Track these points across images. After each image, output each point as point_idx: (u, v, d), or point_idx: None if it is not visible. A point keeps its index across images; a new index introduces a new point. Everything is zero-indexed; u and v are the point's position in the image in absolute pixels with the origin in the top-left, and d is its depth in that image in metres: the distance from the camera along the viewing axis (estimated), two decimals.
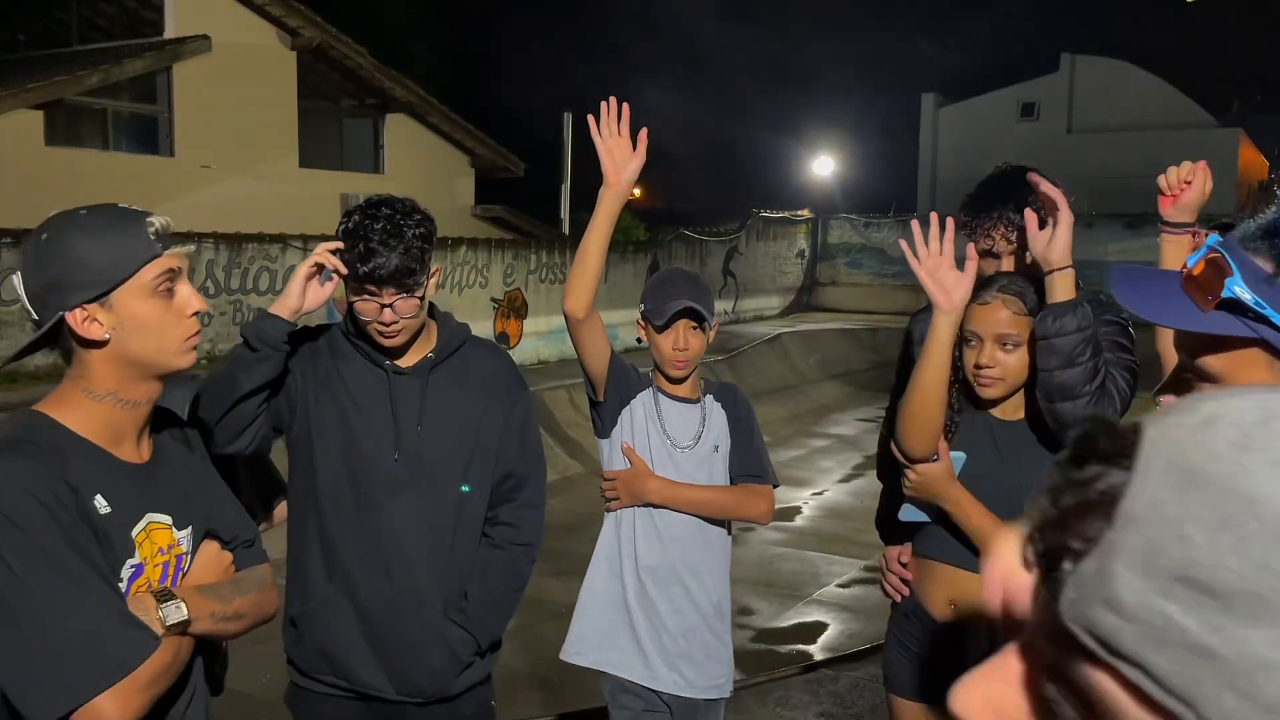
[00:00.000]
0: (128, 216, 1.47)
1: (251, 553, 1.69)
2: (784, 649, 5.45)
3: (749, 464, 2.61)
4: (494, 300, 12.56)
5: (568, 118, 15.85)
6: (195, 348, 1.52)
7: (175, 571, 1.54)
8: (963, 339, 2.12)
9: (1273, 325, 0.95)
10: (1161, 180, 2.03)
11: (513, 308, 12.84)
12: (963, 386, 2.18)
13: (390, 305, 2.05)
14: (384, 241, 2.01)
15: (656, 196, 38.11)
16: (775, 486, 2.66)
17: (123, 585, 1.44)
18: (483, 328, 12.42)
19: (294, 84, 13.58)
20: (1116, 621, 0.44)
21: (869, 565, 6.36)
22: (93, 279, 1.42)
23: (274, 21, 13.10)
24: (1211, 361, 1.02)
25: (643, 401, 2.60)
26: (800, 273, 21.17)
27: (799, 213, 21.42)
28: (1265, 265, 0.96)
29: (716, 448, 2.59)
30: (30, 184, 10.01)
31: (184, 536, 1.56)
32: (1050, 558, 0.47)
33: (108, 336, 1.43)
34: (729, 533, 2.66)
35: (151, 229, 1.46)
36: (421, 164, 15.14)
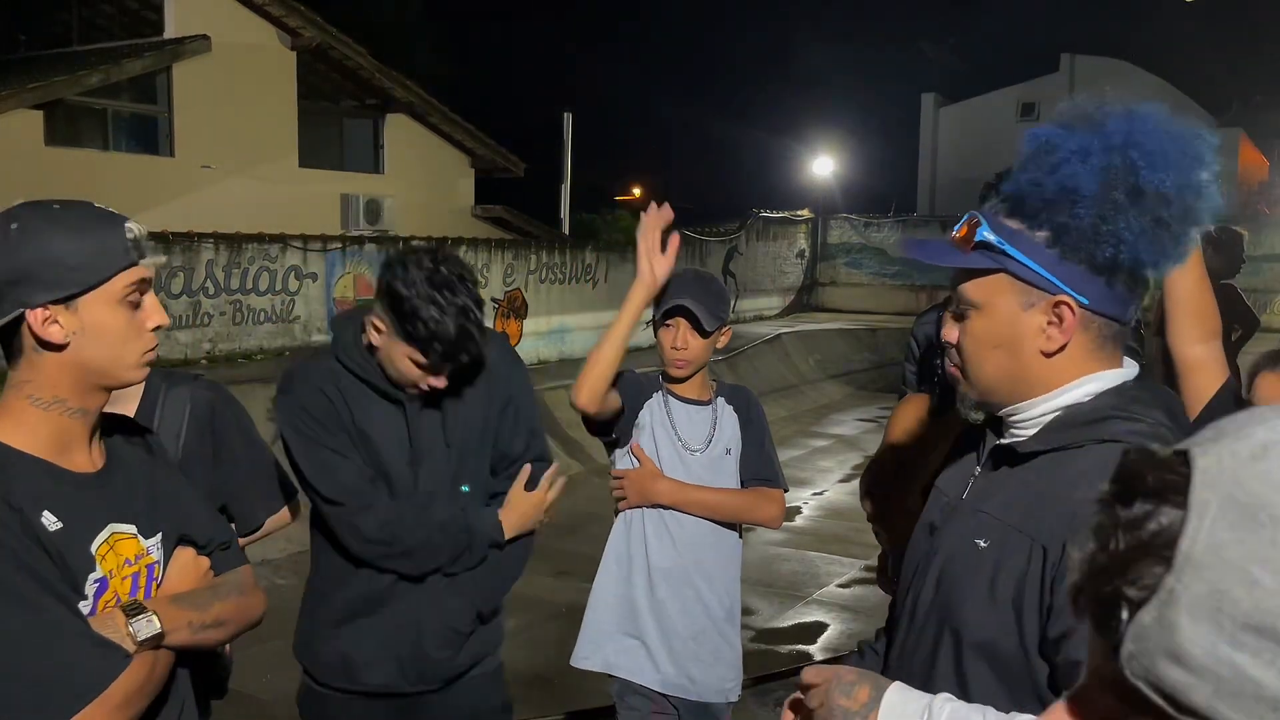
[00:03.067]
0: (106, 219, 1.39)
1: (229, 556, 1.61)
2: (784, 649, 5.45)
3: (760, 467, 2.60)
4: (494, 300, 12.55)
5: (568, 118, 15.84)
6: (150, 363, 1.45)
7: (148, 582, 1.47)
8: None
9: (1010, 257, 1.28)
10: None
11: (513, 308, 12.84)
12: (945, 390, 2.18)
13: (442, 375, 2.09)
14: (464, 336, 2.02)
15: (656, 197, 38.06)
16: (785, 490, 2.65)
17: (88, 603, 1.37)
18: None
19: (294, 84, 13.57)
20: (1184, 676, 0.40)
21: (869, 565, 6.36)
22: (63, 279, 1.33)
23: (274, 21, 13.08)
24: (971, 289, 1.33)
25: (653, 406, 2.58)
26: (800, 273, 21.16)
27: (799, 213, 21.41)
28: (1004, 220, 1.30)
29: (729, 450, 2.58)
30: (30, 184, 9.97)
31: (153, 545, 1.49)
32: (1104, 607, 0.43)
33: (67, 341, 1.35)
34: (739, 536, 2.65)
35: (130, 235, 1.39)
36: (421, 164, 15.14)
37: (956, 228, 1.34)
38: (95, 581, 1.38)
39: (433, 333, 1.97)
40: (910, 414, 2.42)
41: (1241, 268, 5.44)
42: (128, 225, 1.39)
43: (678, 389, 2.59)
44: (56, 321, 1.34)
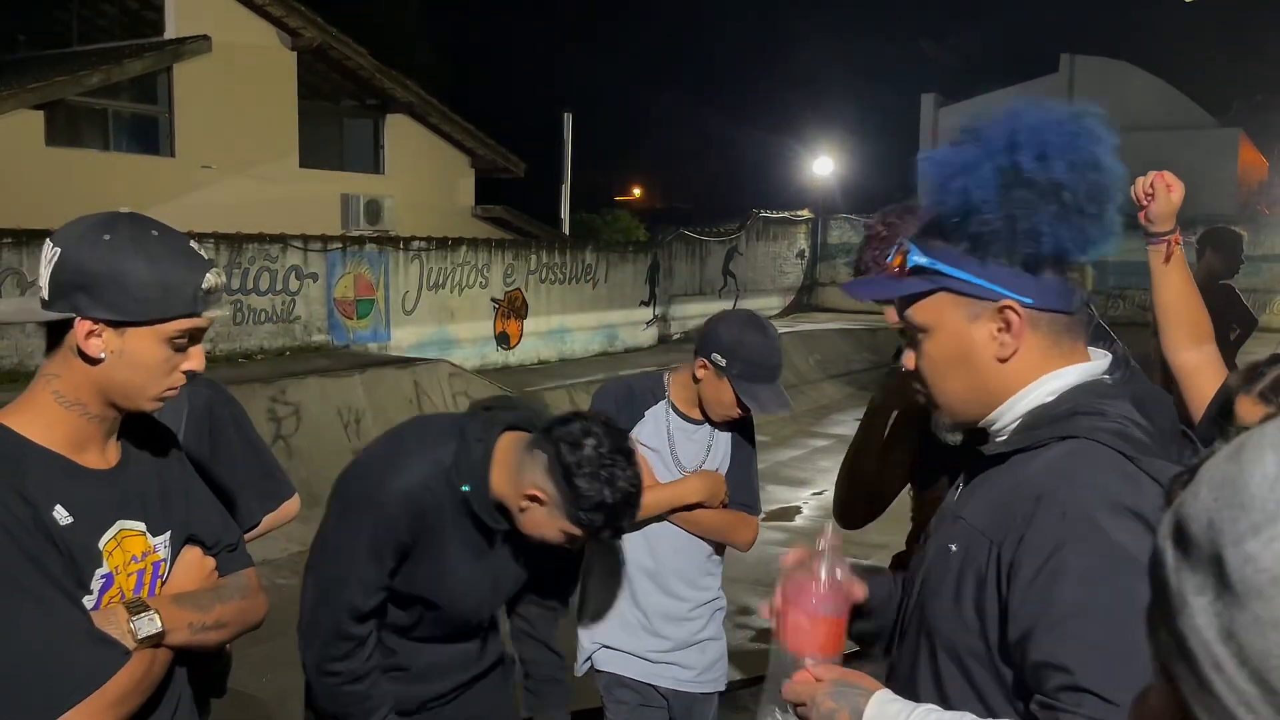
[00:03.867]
0: (189, 261, 1.40)
1: (235, 557, 1.62)
2: None
3: (743, 493, 2.61)
4: (494, 300, 12.56)
5: (568, 118, 15.85)
6: (166, 400, 1.46)
7: (153, 580, 1.48)
8: None
9: (944, 274, 1.30)
10: (1132, 193, 2.10)
11: (513, 308, 12.84)
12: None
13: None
14: (628, 514, 1.90)
15: (656, 196, 38.10)
16: (760, 516, 2.67)
17: (92, 597, 1.38)
18: (483, 328, 12.42)
19: (294, 84, 13.58)
20: None
21: (869, 565, 6.36)
22: (122, 304, 1.35)
23: (274, 22, 13.09)
24: (916, 314, 1.34)
25: (656, 417, 2.55)
26: (800, 273, 21.16)
27: (799, 213, 21.41)
28: (930, 241, 1.32)
29: (715, 469, 2.58)
30: (30, 184, 10.02)
31: (161, 543, 1.50)
32: None
33: (102, 357, 1.37)
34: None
35: (205, 285, 1.41)
36: (421, 164, 15.14)
37: (890, 257, 1.38)
38: (101, 577, 1.40)
39: (603, 521, 1.86)
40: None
41: (1241, 268, 5.45)
42: (208, 275, 1.41)
43: (683, 406, 2.55)
44: (100, 337, 1.36)
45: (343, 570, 1.93)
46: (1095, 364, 1.33)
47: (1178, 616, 0.57)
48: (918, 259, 1.32)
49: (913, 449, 2.17)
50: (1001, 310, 1.27)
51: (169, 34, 12.53)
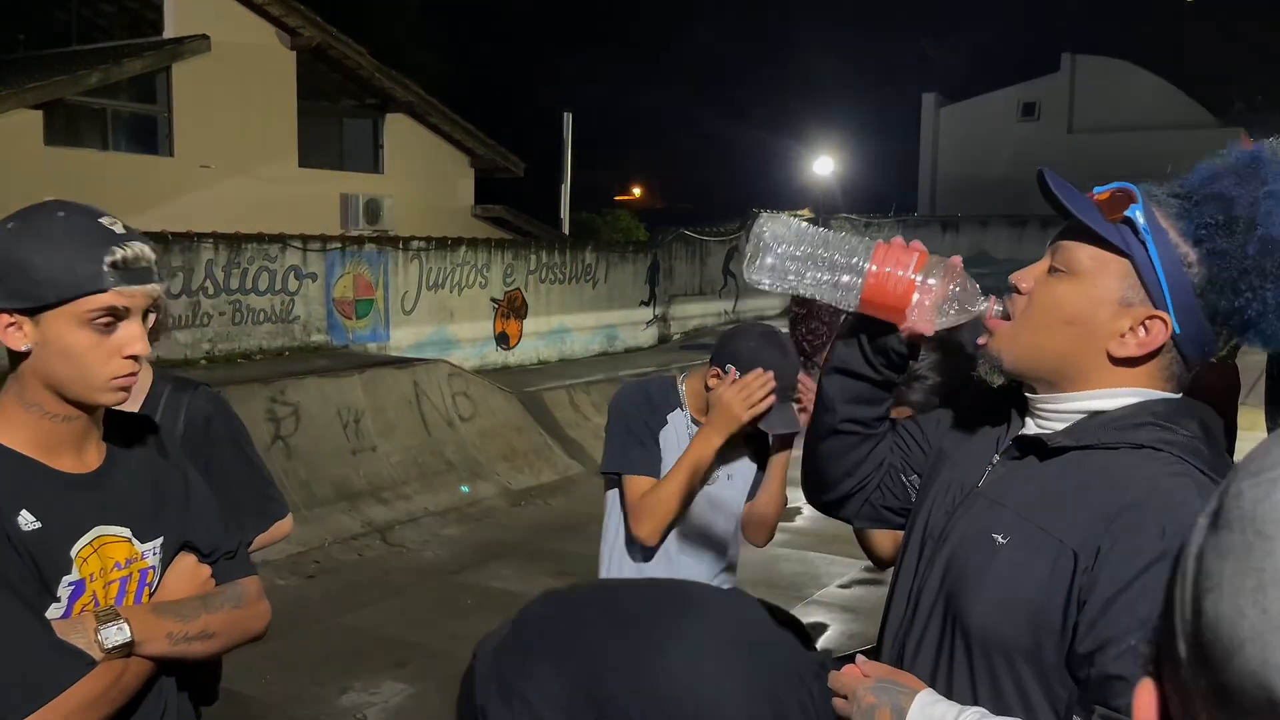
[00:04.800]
0: (93, 238, 1.32)
1: (234, 565, 1.56)
2: None
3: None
4: (494, 300, 12.55)
5: (568, 118, 15.85)
6: (126, 389, 1.38)
7: (140, 588, 1.43)
8: None
9: (1146, 247, 1.18)
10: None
11: (512, 308, 12.83)
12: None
13: None
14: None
15: (656, 196, 38.09)
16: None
17: (61, 605, 1.34)
18: (483, 328, 12.41)
19: (294, 84, 13.57)
20: None
21: (869, 565, 6.35)
22: (26, 290, 1.30)
23: (274, 21, 13.08)
24: (1083, 253, 1.22)
25: (677, 426, 2.47)
26: None
27: (799, 212, 21.41)
28: (1159, 214, 1.20)
29: (730, 476, 2.51)
30: (30, 184, 9.98)
31: (149, 550, 1.45)
32: None
33: (27, 349, 1.32)
34: (734, 551, 2.62)
35: (111, 259, 1.31)
36: (421, 164, 15.13)
37: (1101, 189, 1.24)
38: (70, 584, 1.35)
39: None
40: None
41: None
42: (115, 249, 1.32)
43: (697, 413, 2.47)
44: (20, 329, 1.32)
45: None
46: (1171, 397, 1.27)
47: (1204, 597, 0.55)
48: (1137, 216, 1.19)
49: None
50: (1152, 318, 1.19)
51: (168, 33, 12.52)
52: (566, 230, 16.30)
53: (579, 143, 16.28)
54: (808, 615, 5.95)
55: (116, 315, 1.34)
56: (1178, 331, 1.19)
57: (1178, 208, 1.20)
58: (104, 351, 1.34)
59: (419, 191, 14.77)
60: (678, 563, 2.47)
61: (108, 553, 1.40)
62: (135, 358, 1.36)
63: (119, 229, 1.35)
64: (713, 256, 17.81)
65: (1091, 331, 1.22)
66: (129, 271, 1.33)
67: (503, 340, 12.64)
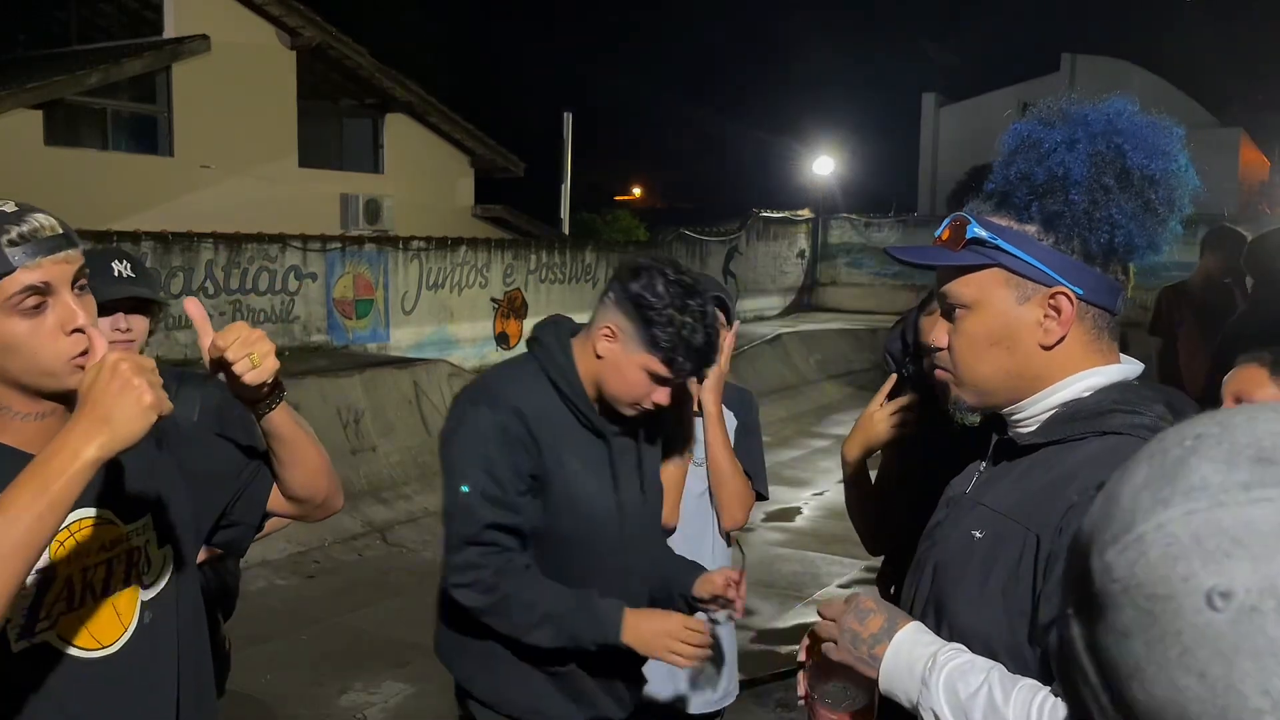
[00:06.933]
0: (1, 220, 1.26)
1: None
2: (784, 649, 5.45)
3: (748, 465, 2.58)
4: (494, 300, 12.55)
5: (568, 118, 15.83)
6: (82, 366, 1.30)
7: (129, 569, 1.40)
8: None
9: (1003, 251, 1.27)
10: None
11: (512, 308, 12.84)
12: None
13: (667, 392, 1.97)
14: (710, 347, 1.92)
15: (656, 196, 38.08)
16: (763, 499, 2.64)
17: (28, 596, 1.29)
18: (483, 328, 12.42)
19: (294, 84, 13.57)
20: None
21: (869, 565, 6.35)
22: None
23: (274, 21, 13.08)
24: (964, 288, 1.31)
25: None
26: (800, 273, 21.15)
27: (799, 213, 21.40)
28: (990, 216, 1.31)
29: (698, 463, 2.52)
30: (29, 184, 10.00)
31: (136, 530, 1.42)
32: None
33: None
34: (727, 542, 2.63)
35: (7, 238, 1.25)
36: (421, 164, 15.13)
37: (939, 231, 1.35)
38: (36, 572, 1.29)
39: (684, 340, 1.85)
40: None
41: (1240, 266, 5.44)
42: (9, 226, 1.26)
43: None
44: None
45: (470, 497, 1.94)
46: (1129, 367, 1.33)
47: (1064, 625, 0.55)
48: (978, 232, 1.29)
49: (907, 468, 2.19)
50: (1054, 296, 1.26)
51: (168, 33, 12.52)
52: (566, 230, 16.29)
53: (579, 142, 16.27)
54: (808, 615, 5.95)
55: (40, 293, 1.28)
56: (1079, 292, 1.27)
57: (997, 203, 1.32)
58: (45, 334, 1.29)
59: (419, 191, 14.77)
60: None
61: (88, 535, 1.37)
62: (82, 330, 1.30)
63: (9, 208, 1.29)
64: (712, 256, 17.81)
65: (1015, 338, 1.29)
66: (34, 244, 1.27)
67: (503, 340, 12.64)
